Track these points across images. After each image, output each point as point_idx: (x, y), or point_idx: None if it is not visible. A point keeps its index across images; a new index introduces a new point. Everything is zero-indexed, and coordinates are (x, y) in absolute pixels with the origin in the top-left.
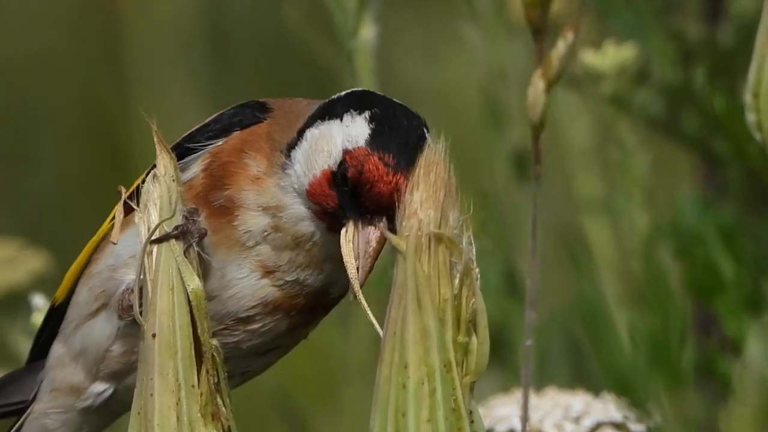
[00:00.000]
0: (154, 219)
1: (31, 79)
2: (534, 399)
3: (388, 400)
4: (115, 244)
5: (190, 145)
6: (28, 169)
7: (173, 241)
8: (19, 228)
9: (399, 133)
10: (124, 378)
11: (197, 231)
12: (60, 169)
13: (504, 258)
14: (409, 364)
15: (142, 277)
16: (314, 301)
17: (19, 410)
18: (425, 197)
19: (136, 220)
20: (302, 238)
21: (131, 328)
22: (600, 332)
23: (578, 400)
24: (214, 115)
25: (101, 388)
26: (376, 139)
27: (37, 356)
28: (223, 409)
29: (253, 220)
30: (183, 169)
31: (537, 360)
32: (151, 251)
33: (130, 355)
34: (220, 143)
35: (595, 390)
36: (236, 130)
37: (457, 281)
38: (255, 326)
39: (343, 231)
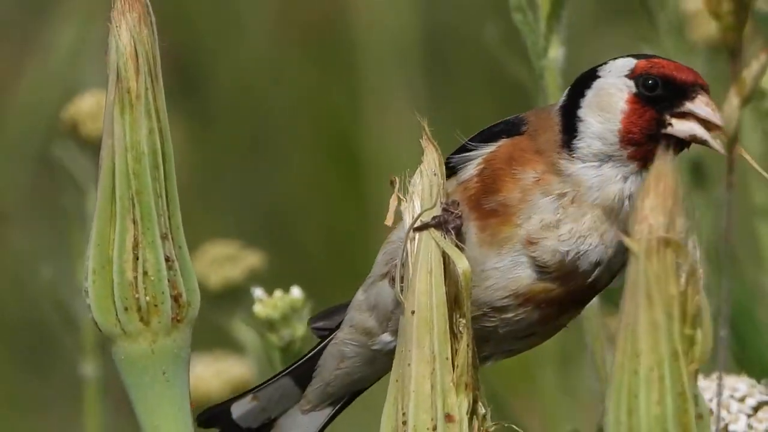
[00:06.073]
0: (417, 209)
1: (267, 89)
2: (703, 381)
3: (622, 384)
4: (389, 226)
5: (468, 144)
6: (266, 174)
7: (433, 229)
8: (255, 229)
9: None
10: None
11: (452, 222)
12: (294, 175)
13: None
14: (640, 352)
15: (404, 260)
16: (573, 293)
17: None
18: (655, 204)
19: (402, 209)
20: (606, 200)
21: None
22: (747, 331)
23: (743, 383)
24: (486, 127)
25: (388, 339)
26: (642, 56)
27: None
28: (471, 380)
29: (544, 206)
30: (460, 169)
31: None
32: (414, 237)
33: None
34: (493, 149)
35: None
36: (503, 138)
37: (683, 280)
38: (508, 315)
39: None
